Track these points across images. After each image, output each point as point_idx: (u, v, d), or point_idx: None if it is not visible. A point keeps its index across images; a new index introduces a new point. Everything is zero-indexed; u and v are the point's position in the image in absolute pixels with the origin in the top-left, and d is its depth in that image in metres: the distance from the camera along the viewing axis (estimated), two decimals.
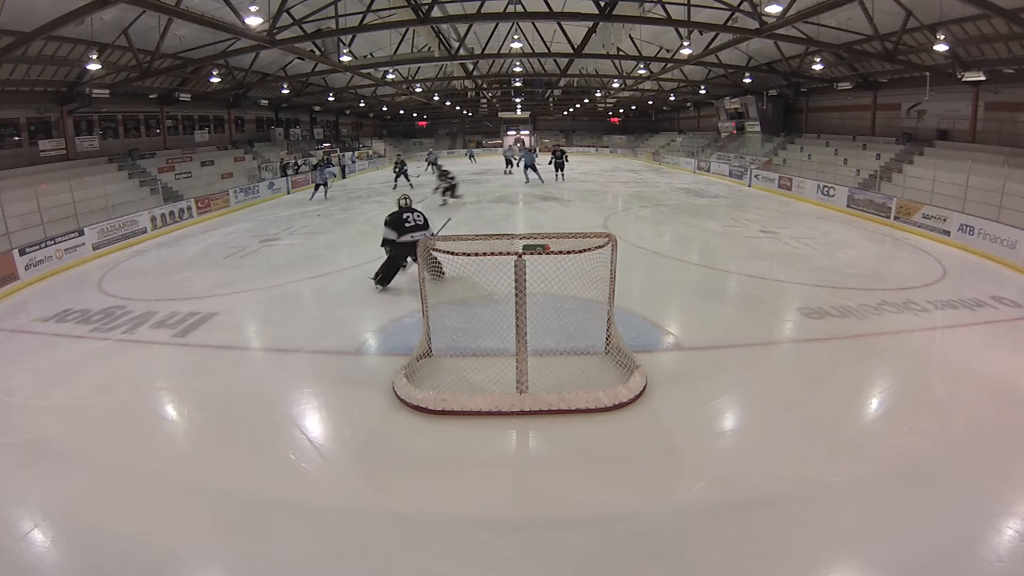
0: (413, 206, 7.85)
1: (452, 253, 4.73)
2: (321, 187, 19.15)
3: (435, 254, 5.52)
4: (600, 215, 13.88)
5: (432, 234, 7.41)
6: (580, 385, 4.62)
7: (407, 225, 7.40)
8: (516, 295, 4.47)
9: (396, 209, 7.71)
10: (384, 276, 7.67)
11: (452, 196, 16.48)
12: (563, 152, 22.42)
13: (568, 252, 4.79)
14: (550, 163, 21.87)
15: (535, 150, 26.10)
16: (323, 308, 7.35)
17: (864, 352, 5.62)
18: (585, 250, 4.93)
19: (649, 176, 24.94)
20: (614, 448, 4.03)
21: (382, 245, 7.69)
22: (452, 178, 16.86)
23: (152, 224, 13.25)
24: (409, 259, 7.66)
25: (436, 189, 16.98)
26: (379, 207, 16.60)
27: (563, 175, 21.57)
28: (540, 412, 4.38)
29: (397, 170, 21.52)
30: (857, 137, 18.51)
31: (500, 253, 4.52)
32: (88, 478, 3.76)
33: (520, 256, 4.45)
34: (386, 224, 7.55)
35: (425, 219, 7.62)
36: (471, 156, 35.94)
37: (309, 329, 6.52)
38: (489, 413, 4.39)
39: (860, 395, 4.90)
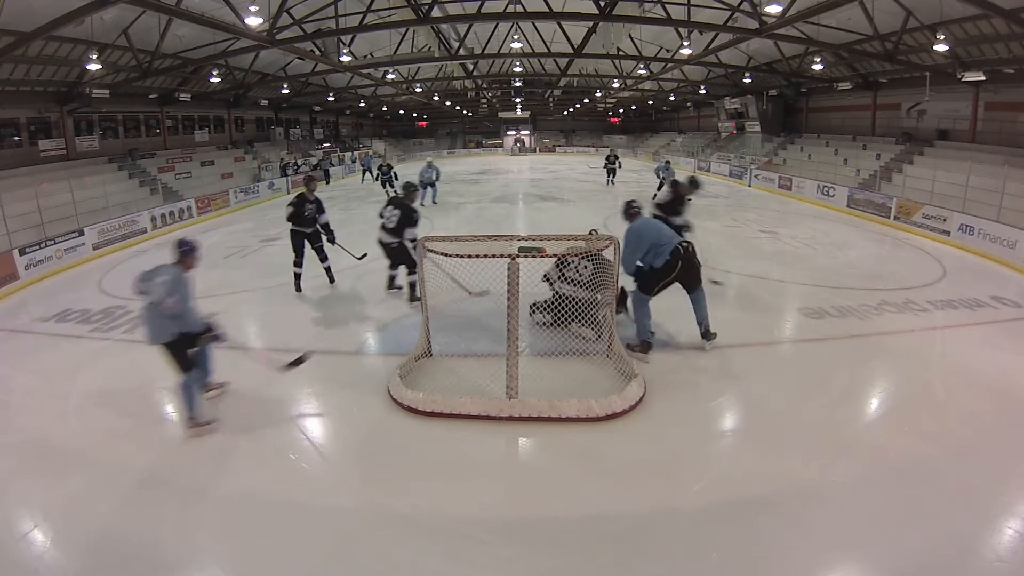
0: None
1: (446, 255, 4.67)
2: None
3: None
4: (600, 215, 13.86)
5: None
6: (575, 390, 4.50)
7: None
8: (508, 298, 4.34)
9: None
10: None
11: None
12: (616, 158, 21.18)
13: (566, 255, 4.75)
14: (604, 167, 20.92)
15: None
16: (323, 308, 7.34)
17: (864, 352, 5.62)
18: (586, 252, 4.92)
19: (650, 176, 24.84)
20: (610, 450, 4.01)
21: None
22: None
23: (152, 224, 13.25)
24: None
25: None
26: (377, 207, 16.54)
27: (613, 180, 20.67)
28: (529, 419, 4.27)
29: (364, 167, 23.83)
30: (857, 137, 18.51)
31: (494, 255, 4.39)
32: (88, 478, 3.76)
33: (514, 259, 4.31)
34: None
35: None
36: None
37: (309, 329, 6.52)
38: (477, 417, 4.31)
39: (860, 395, 4.90)
